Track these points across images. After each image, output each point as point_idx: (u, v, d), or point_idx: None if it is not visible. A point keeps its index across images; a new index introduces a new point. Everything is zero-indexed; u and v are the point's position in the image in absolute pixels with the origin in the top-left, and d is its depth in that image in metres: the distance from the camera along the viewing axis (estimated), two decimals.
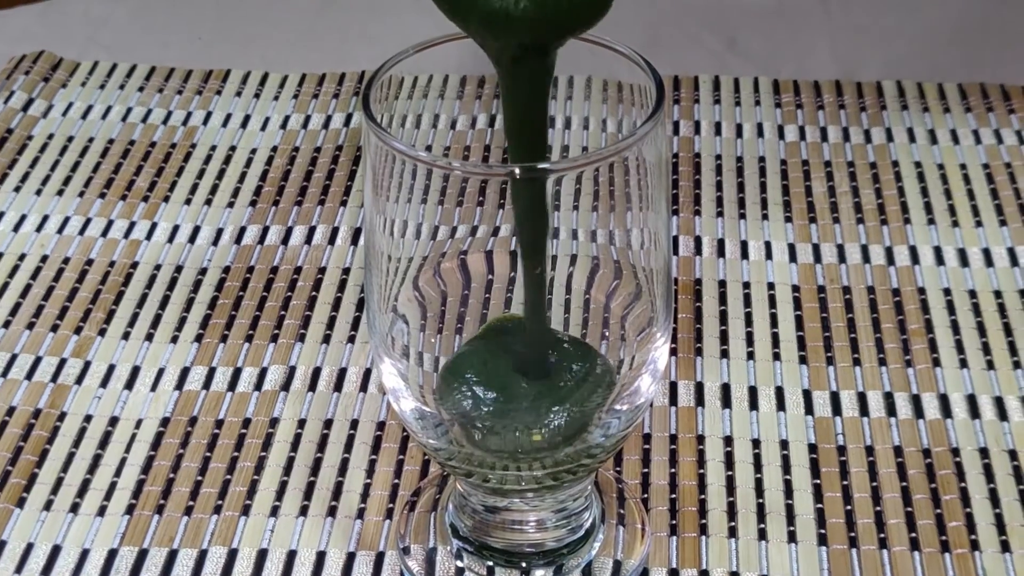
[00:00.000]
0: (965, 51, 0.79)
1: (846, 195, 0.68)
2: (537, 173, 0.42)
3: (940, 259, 0.64)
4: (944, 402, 0.57)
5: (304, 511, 0.53)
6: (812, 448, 0.55)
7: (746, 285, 0.63)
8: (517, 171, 0.42)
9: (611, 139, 0.51)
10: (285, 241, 0.66)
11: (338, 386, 0.58)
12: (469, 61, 0.50)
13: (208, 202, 0.68)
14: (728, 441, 0.55)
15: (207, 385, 0.58)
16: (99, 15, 0.84)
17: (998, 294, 0.62)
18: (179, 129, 0.74)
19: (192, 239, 0.66)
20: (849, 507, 0.53)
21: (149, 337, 0.61)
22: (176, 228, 0.67)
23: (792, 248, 0.65)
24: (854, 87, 0.75)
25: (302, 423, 0.56)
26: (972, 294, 0.62)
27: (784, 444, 0.55)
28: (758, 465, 0.54)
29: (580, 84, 0.55)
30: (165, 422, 0.56)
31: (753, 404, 0.57)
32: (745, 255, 0.64)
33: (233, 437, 0.56)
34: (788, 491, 0.53)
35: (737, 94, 0.75)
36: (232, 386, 0.58)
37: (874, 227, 0.66)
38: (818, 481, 0.54)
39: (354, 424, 0.56)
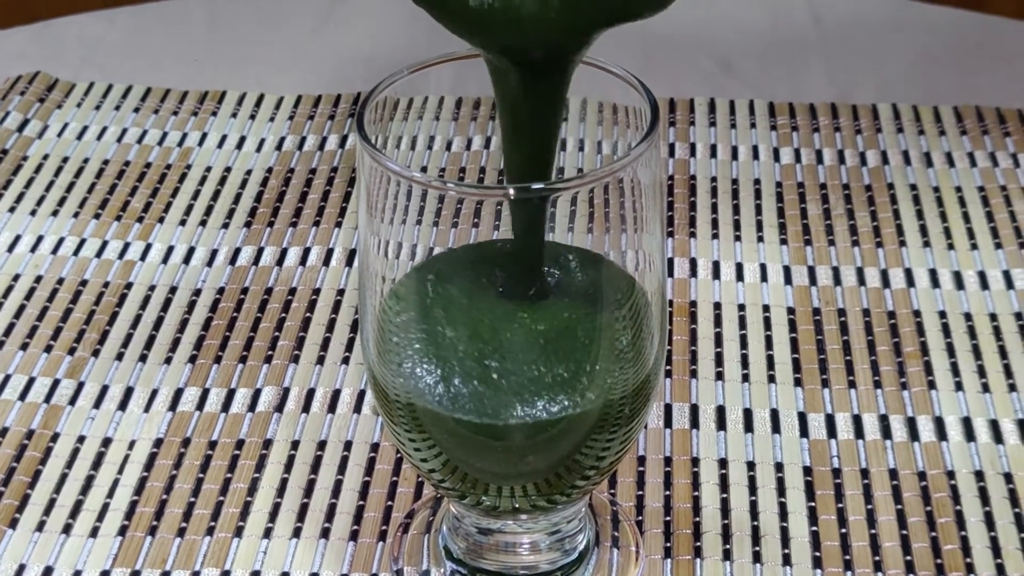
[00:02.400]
0: (960, 74, 0.79)
1: (841, 217, 0.68)
2: (532, 194, 0.42)
3: (935, 282, 0.64)
4: (939, 425, 0.57)
5: (297, 533, 0.53)
6: (807, 470, 0.55)
7: (741, 307, 0.63)
8: (512, 192, 0.42)
9: (606, 160, 0.51)
10: (280, 262, 0.66)
11: (332, 407, 0.58)
12: (464, 82, 0.50)
13: (203, 223, 0.68)
14: (723, 463, 0.55)
15: (200, 406, 0.58)
16: (93, 36, 0.84)
17: (993, 317, 0.62)
18: (174, 150, 0.73)
19: (187, 260, 0.66)
20: (844, 530, 0.53)
21: (143, 358, 0.60)
22: (171, 249, 0.67)
23: (787, 270, 0.65)
24: (849, 110, 0.75)
25: (296, 444, 0.56)
26: (967, 317, 0.62)
27: (779, 466, 0.55)
28: (753, 487, 0.54)
29: (575, 105, 0.55)
30: (158, 443, 0.56)
31: (748, 426, 0.57)
32: (740, 277, 0.64)
33: (226, 458, 0.56)
34: (783, 514, 0.53)
35: (732, 116, 0.75)
36: (226, 407, 0.58)
37: (869, 249, 0.66)
38: (813, 504, 0.54)
39: (348, 445, 0.56)
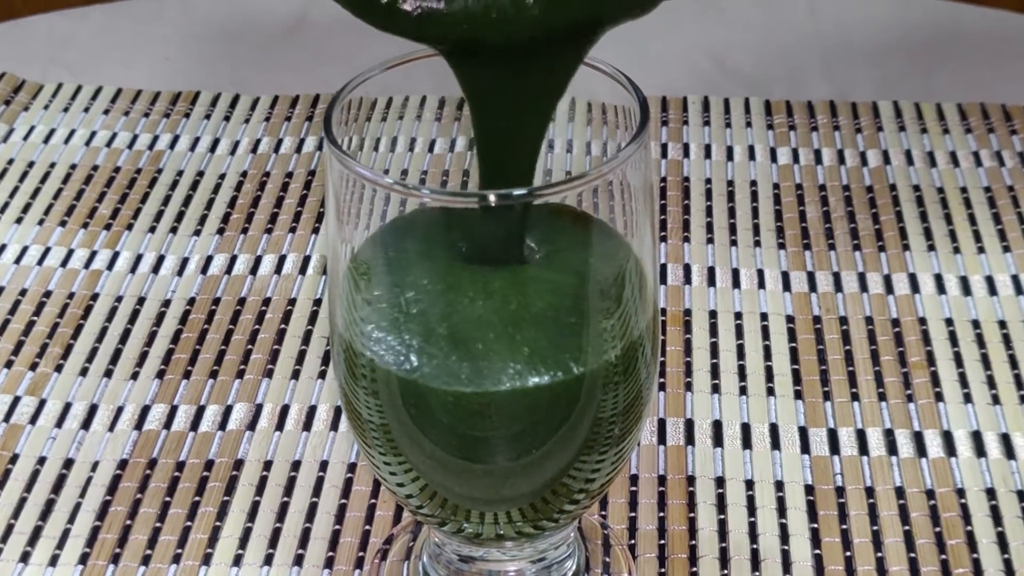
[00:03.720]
0: (963, 70, 0.76)
1: (842, 220, 0.65)
2: (515, 200, 0.39)
3: (941, 287, 0.61)
4: (948, 439, 0.54)
5: (269, 560, 0.50)
6: (809, 489, 0.52)
7: (738, 315, 0.60)
8: (492, 198, 0.38)
9: (594, 163, 0.48)
10: (254, 271, 0.63)
11: (307, 425, 0.55)
12: (447, 79, 0.47)
13: (173, 230, 0.65)
14: (720, 482, 0.52)
15: (168, 424, 0.55)
16: (62, 35, 0.81)
17: (1002, 324, 0.59)
18: (144, 153, 0.70)
19: (156, 269, 0.63)
20: (849, 553, 0.50)
21: (108, 373, 0.57)
22: (139, 257, 0.64)
23: (786, 276, 0.62)
24: (849, 108, 0.72)
25: (268, 465, 0.53)
26: (975, 324, 0.59)
27: (779, 485, 0.52)
28: (752, 508, 0.51)
29: (563, 106, 0.53)
30: (123, 464, 0.53)
31: (746, 442, 0.54)
32: (737, 284, 0.61)
33: (195, 480, 0.53)
34: (784, 536, 0.50)
35: (727, 115, 0.72)
36: (195, 425, 0.55)
37: (871, 254, 0.63)
38: (815, 525, 0.51)
39: (323, 466, 0.53)
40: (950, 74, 0.76)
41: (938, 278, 0.61)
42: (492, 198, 0.38)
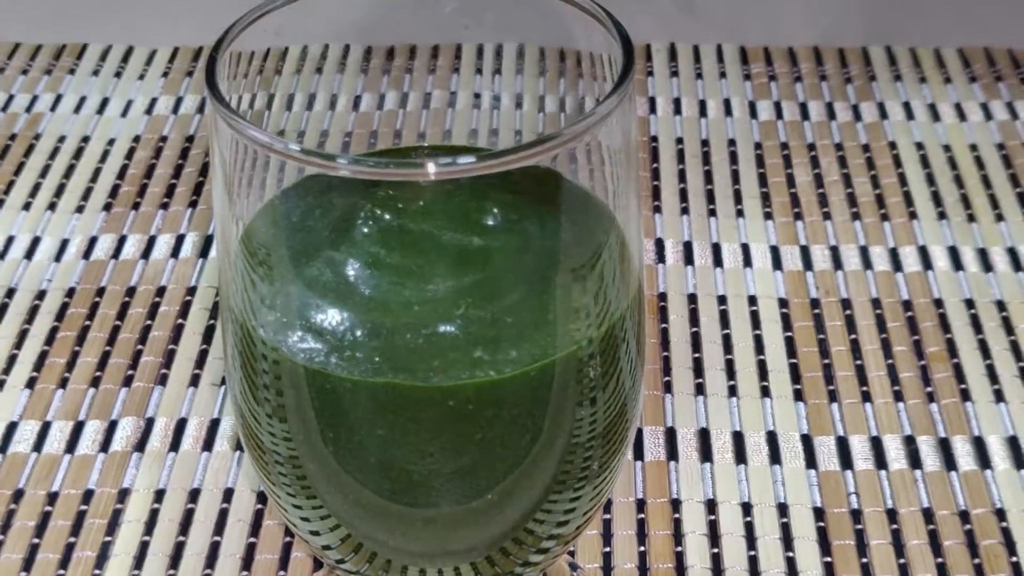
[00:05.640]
0: (962, 10, 0.67)
1: (836, 185, 0.56)
2: (463, 171, 0.29)
3: (957, 262, 0.52)
4: (980, 447, 0.45)
5: None
6: (818, 513, 0.43)
7: (722, 299, 0.51)
8: (432, 169, 0.29)
9: (569, 120, 0.39)
10: (146, 254, 0.53)
11: (208, 444, 0.45)
12: (374, 22, 0.39)
13: (52, 207, 0.55)
14: (711, 506, 0.43)
15: (38, 447, 0.45)
16: None
17: None
18: (21, 116, 0.61)
19: (29, 254, 0.53)
20: None
21: None
22: (10, 240, 0.54)
23: (775, 252, 0.53)
24: (836, 54, 0.63)
25: (160, 495, 0.44)
26: (1000, 306, 0.50)
27: (782, 509, 0.43)
28: (751, 538, 0.42)
29: (511, 53, 0.44)
30: None
31: (740, 456, 0.45)
32: (719, 262, 0.52)
33: (70, 516, 0.43)
34: (792, 572, 0.41)
35: (698, 64, 0.63)
36: (71, 447, 0.45)
37: (874, 224, 0.54)
38: (829, 559, 0.42)
39: (228, 495, 0.44)
40: (948, 15, 0.66)
41: (952, 251, 0.53)
42: (432, 170, 0.29)
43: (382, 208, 0.33)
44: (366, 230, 0.33)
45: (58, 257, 0.53)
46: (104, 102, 0.61)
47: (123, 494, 0.44)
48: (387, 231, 0.33)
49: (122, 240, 0.54)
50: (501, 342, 0.31)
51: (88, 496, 0.44)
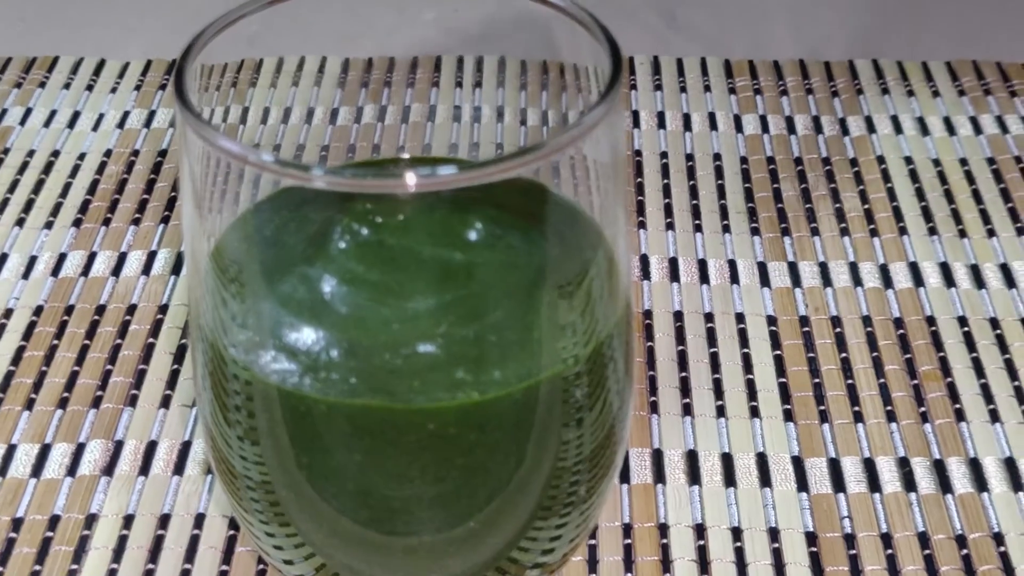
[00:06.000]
0: (948, 23, 0.66)
1: (824, 199, 0.54)
2: (443, 182, 0.28)
3: (949, 279, 0.51)
4: (976, 468, 0.44)
5: None
6: (811, 538, 0.42)
7: (709, 317, 0.49)
8: (412, 181, 0.28)
9: (553, 132, 0.38)
10: (116, 271, 0.51)
11: (179, 467, 0.44)
12: (348, 32, 0.38)
13: (20, 222, 0.54)
14: (700, 531, 0.42)
15: (2, 470, 0.44)
16: None
17: None
18: None
19: None
20: None
21: None
22: None
23: (763, 268, 0.51)
24: (822, 68, 0.62)
25: (129, 520, 0.42)
26: (994, 323, 0.49)
27: (774, 533, 0.42)
28: (741, 564, 0.41)
29: (513, 68, 0.42)
30: None
31: (729, 478, 0.43)
32: (705, 278, 0.51)
33: (35, 543, 0.41)
34: None
35: (682, 78, 0.62)
36: (37, 470, 0.44)
37: (863, 239, 0.52)
38: None
39: (199, 520, 0.42)
40: (935, 28, 0.65)
41: (944, 267, 0.51)
42: (413, 182, 0.28)
43: (359, 222, 0.32)
44: (342, 245, 0.32)
45: (26, 274, 0.51)
46: (75, 116, 0.60)
47: (91, 519, 0.42)
48: (365, 246, 0.31)
49: (92, 257, 0.52)
50: (484, 362, 0.30)
51: (54, 522, 0.42)
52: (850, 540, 0.42)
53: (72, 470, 0.44)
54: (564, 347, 0.30)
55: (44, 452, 0.44)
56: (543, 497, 0.32)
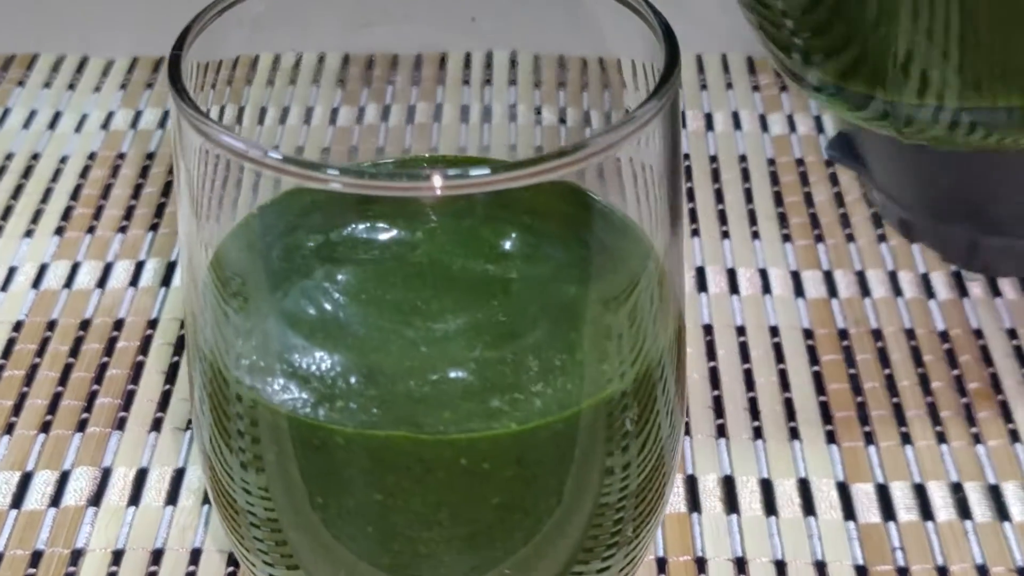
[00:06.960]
0: None
1: (859, 204, 0.51)
2: (475, 185, 0.25)
3: (995, 288, 0.48)
4: None
5: None
6: (860, 572, 0.38)
7: (740, 330, 0.46)
8: (438, 183, 0.24)
9: (550, 135, 0.35)
10: (102, 283, 0.48)
11: (172, 497, 0.40)
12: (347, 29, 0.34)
13: None
14: (740, 565, 0.39)
15: None
16: None
17: None
18: None
19: None
20: None
21: None
22: None
23: (796, 277, 0.48)
24: None
25: (118, 556, 0.39)
26: None
27: (820, 567, 0.39)
28: None
29: (527, 64, 0.39)
30: None
31: (769, 507, 0.40)
32: (735, 288, 0.48)
33: None
34: None
35: (702, 75, 0.59)
36: (17, 501, 0.40)
37: (901, 245, 0.49)
38: None
39: (195, 556, 0.39)
40: None
41: (991, 278, 0.48)
42: (439, 183, 0.24)
43: (379, 230, 0.28)
44: (360, 257, 0.28)
45: (4, 286, 0.48)
46: (56, 116, 0.56)
47: (76, 555, 0.39)
48: (385, 258, 0.28)
49: (76, 267, 0.49)
50: (523, 388, 0.26)
51: (37, 557, 0.39)
52: (903, 574, 0.38)
53: (56, 500, 0.40)
54: (611, 369, 0.27)
55: (25, 480, 0.41)
56: (585, 537, 0.28)
